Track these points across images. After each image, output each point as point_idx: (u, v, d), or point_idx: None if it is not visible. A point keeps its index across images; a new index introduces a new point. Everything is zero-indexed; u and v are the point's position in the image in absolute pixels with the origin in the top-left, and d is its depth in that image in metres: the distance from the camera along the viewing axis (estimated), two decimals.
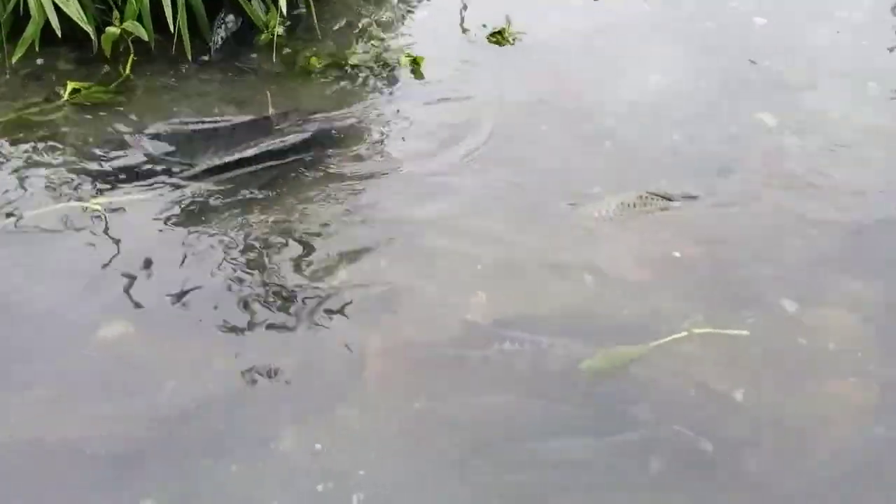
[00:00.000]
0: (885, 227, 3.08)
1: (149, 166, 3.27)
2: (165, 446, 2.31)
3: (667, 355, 2.55)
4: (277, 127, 3.51)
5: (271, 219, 3.05)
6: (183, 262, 2.87)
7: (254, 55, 4.08)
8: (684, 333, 2.62)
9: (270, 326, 2.65)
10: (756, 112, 3.72)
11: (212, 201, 3.12)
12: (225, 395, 2.42)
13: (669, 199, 3.17)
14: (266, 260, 2.88)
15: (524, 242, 2.99)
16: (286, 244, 2.96)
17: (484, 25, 4.36)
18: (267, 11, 4.11)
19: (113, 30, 3.66)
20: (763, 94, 3.86)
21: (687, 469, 2.26)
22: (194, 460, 2.27)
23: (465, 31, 4.37)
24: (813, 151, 3.48)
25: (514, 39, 4.31)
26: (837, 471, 2.25)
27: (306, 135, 3.44)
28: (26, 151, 3.34)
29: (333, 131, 3.52)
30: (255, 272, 2.83)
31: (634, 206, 3.12)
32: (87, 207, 3.04)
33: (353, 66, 4.00)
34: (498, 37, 4.33)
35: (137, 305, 2.71)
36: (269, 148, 3.35)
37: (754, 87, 3.92)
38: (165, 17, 3.68)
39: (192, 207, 3.10)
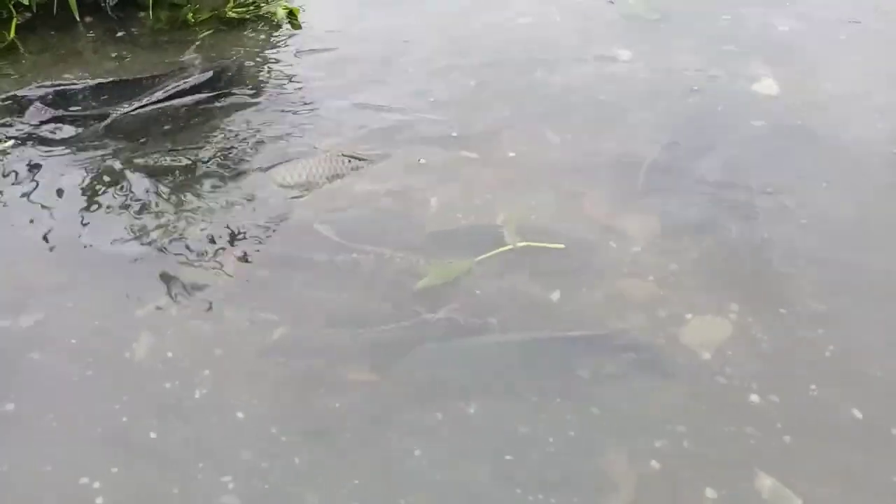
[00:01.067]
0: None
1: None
2: None
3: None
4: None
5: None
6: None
7: (140, 14, 4.29)
8: (508, 247, 2.90)
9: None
10: None
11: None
12: None
13: (360, 159, 3.25)
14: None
15: None
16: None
17: None
18: None
19: None
20: None
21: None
22: None
23: None
24: None
25: None
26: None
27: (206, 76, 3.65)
28: None
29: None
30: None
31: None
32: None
33: (230, 20, 4.21)
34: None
35: None
36: (176, 89, 3.55)
37: None
38: None
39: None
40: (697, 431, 2.26)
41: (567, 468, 2.19)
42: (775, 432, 2.25)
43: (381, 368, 2.45)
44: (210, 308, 2.61)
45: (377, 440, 2.25)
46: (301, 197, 3.05)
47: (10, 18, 4.00)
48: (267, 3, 4.34)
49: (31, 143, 3.34)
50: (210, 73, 3.66)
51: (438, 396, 2.37)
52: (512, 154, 3.29)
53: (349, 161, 3.20)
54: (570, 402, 2.34)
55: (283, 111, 3.55)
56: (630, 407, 2.34)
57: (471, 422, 2.30)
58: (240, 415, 2.30)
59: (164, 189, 3.07)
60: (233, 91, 3.66)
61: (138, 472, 2.16)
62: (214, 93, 3.59)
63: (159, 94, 3.51)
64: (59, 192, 3.08)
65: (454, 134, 3.38)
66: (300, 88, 3.71)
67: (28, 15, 4.13)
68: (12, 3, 3.95)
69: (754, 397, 2.35)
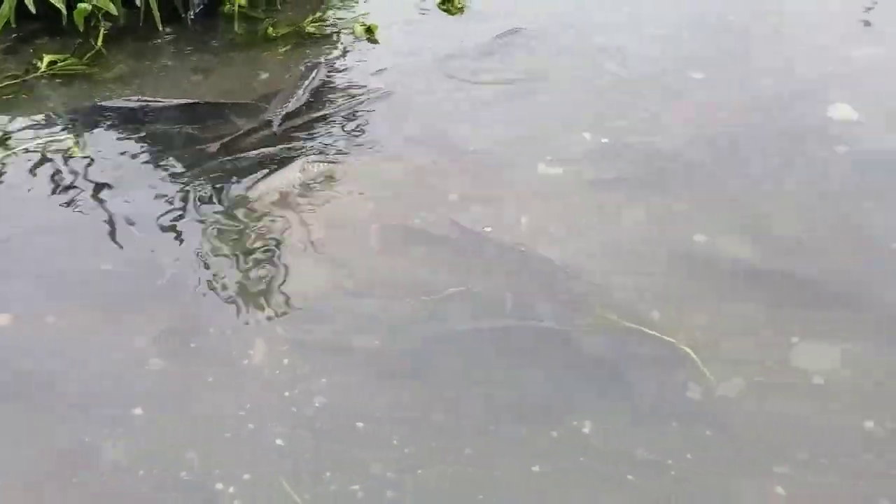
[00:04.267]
0: None
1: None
2: None
3: None
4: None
5: None
6: None
7: (219, 26, 4.36)
8: None
9: None
10: None
11: None
12: None
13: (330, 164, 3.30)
14: None
15: None
16: None
17: None
18: None
19: (84, 6, 3.92)
20: None
21: None
22: None
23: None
24: None
25: (462, 7, 4.59)
26: None
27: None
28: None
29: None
30: None
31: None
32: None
33: (309, 35, 4.27)
34: (448, 5, 4.62)
35: None
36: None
37: None
38: None
39: None
40: None
41: None
42: None
43: None
44: None
45: None
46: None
47: (98, 28, 4.07)
48: (344, 19, 4.41)
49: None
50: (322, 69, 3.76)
51: None
52: None
53: (317, 167, 3.23)
54: None
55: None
56: None
57: None
58: None
59: None
60: None
61: None
62: None
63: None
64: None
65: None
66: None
67: (110, 24, 4.20)
68: (101, 13, 4.01)
69: None
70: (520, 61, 4.10)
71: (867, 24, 4.43)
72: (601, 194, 3.21)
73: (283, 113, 3.47)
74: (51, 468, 2.25)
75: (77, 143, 3.42)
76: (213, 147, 3.29)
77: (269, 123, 3.43)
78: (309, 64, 3.93)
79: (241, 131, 3.40)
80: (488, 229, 3.00)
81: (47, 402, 2.43)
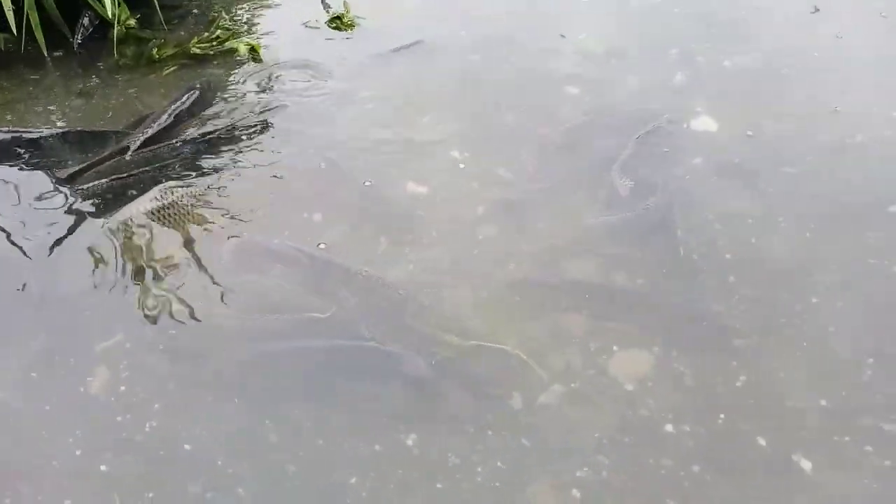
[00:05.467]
0: None
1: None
2: None
3: None
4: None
5: None
6: None
7: (106, 48, 4.42)
8: None
9: None
10: None
11: None
12: None
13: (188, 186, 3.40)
14: None
15: None
16: None
17: (326, 9, 4.75)
18: (119, 6, 4.44)
19: None
20: None
21: None
22: None
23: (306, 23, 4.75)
24: None
25: (352, 24, 4.70)
26: None
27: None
28: None
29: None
30: None
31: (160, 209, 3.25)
32: None
33: (194, 56, 4.36)
34: (338, 22, 4.72)
35: None
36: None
37: None
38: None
39: None
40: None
41: None
42: None
43: None
44: None
45: None
46: None
47: None
48: (229, 39, 4.49)
49: None
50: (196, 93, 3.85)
51: None
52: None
53: (175, 192, 3.32)
54: None
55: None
56: None
57: None
58: None
59: None
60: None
61: None
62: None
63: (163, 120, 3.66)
64: None
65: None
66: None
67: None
68: None
69: None
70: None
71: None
72: None
73: (143, 139, 3.54)
74: None
75: None
76: (62, 174, 3.36)
77: (124, 150, 3.50)
78: (187, 86, 4.01)
79: (96, 158, 3.46)
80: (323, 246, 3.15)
81: None
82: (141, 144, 3.52)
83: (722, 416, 2.57)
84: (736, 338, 2.82)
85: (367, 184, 3.52)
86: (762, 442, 2.51)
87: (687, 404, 2.61)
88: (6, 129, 3.64)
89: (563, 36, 4.61)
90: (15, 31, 4.02)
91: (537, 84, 4.24)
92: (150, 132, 3.56)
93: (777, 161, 3.65)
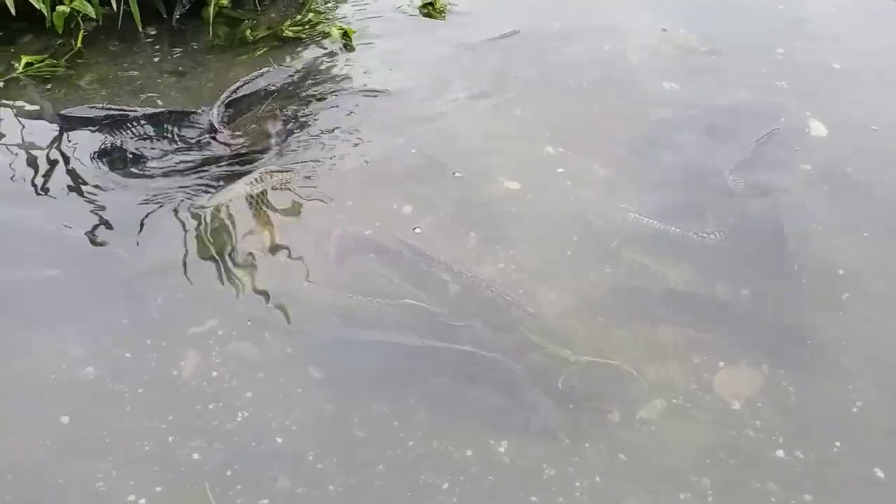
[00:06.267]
0: None
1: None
2: None
3: None
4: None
5: None
6: None
7: (200, 27, 4.42)
8: None
9: None
10: None
11: None
12: None
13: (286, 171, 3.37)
14: None
15: None
16: None
17: None
18: None
19: (62, 8, 4.00)
20: None
21: None
22: None
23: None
24: None
25: (444, 11, 4.61)
26: None
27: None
28: None
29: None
30: None
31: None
32: None
33: (286, 39, 4.32)
34: (430, 8, 4.63)
35: None
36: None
37: None
38: None
39: None
40: None
41: None
42: None
43: None
44: None
45: None
46: None
47: (78, 29, 4.15)
48: (321, 23, 4.45)
49: None
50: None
51: None
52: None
53: (273, 176, 3.29)
54: None
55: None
56: None
57: None
58: None
59: None
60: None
61: None
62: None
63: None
64: None
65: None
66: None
67: (93, 25, 4.28)
68: (80, 15, 4.09)
69: None
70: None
71: None
72: None
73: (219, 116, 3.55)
74: None
75: (33, 153, 3.49)
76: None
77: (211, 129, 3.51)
78: (267, 68, 3.97)
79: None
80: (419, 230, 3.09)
81: None
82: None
83: (837, 443, 2.41)
84: (851, 359, 2.65)
85: (456, 174, 3.43)
86: (880, 474, 2.35)
87: (798, 428, 2.45)
88: (101, 105, 3.65)
89: (664, 30, 4.44)
90: (115, 5, 4.03)
91: (635, 77, 4.10)
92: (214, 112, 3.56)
93: (892, 172, 3.45)
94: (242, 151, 3.46)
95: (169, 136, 3.55)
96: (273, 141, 3.58)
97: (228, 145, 3.46)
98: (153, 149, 3.46)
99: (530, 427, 2.46)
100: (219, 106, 3.60)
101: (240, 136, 3.58)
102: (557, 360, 2.59)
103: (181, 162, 3.44)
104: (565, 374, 2.55)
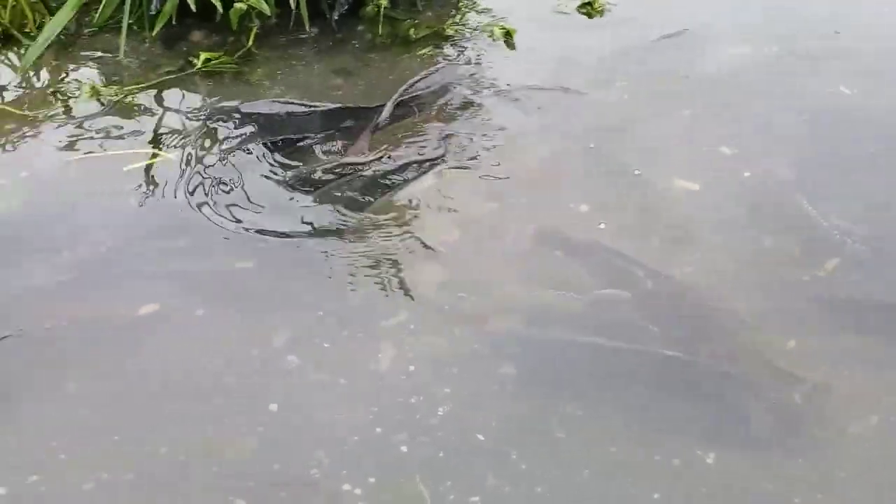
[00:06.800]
0: None
1: None
2: None
3: None
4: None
5: None
6: None
7: (360, 27, 4.48)
8: None
9: None
10: None
11: None
12: None
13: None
14: None
15: None
16: None
17: None
18: None
19: (239, 5, 4.12)
20: None
21: None
22: None
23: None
24: None
25: (602, 10, 4.54)
26: None
27: None
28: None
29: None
30: None
31: None
32: None
33: (447, 38, 4.33)
34: (588, 8, 4.57)
35: None
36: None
37: None
38: None
39: None
40: None
41: None
42: None
43: None
44: None
45: None
46: None
47: (251, 26, 4.27)
48: (482, 22, 4.45)
49: None
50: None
51: None
52: None
53: (453, 173, 3.30)
54: None
55: None
56: None
57: None
58: None
59: None
60: None
61: None
62: None
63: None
64: None
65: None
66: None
67: (265, 23, 4.39)
68: (255, 12, 4.20)
69: None
70: None
71: None
72: None
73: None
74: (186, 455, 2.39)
75: (212, 148, 3.59)
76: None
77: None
78: (439, 66, 3.98)
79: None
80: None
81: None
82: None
83: None
84: None
85: (636, 173, 3.36)
86: None
87: None
88: (280, 100, 3.72)
89: (837, 32, 4.26)
90: (294, 4, 4.13)
91: (809, 80, 3.94)
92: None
93: None
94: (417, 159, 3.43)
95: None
96: (439, 149, 3.53)
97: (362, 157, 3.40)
98: (333, 144, 3.52)
99: (739, 439, 2.37)
100: (391, 104, 3.62)
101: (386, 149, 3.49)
102: (772, 371, 2.49)
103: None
104: (783, 387, 2.45)
